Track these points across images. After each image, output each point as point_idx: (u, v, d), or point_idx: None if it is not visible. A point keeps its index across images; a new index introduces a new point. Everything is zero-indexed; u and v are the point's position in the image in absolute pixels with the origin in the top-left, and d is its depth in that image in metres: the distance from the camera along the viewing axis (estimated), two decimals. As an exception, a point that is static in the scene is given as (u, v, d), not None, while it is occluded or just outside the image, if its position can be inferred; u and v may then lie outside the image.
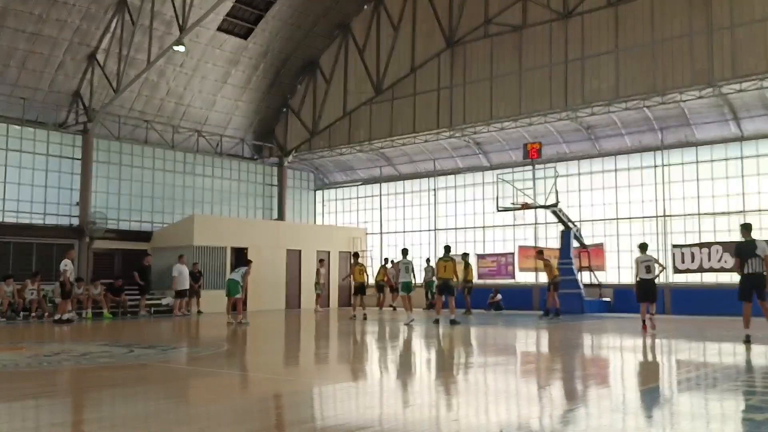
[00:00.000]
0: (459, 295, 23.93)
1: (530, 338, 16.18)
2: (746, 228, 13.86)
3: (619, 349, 13.54)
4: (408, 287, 19.76)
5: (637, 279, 16.47)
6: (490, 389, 8.50)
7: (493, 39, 27.61)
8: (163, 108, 29.45)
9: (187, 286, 24.21)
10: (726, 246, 22.82)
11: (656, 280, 16.56)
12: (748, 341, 12.92)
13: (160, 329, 18.73)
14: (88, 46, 26.09)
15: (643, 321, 16.13)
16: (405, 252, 20.66)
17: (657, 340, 14.56)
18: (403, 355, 12.70)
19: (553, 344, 14.63)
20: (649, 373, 10.31)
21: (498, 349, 13.76)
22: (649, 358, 12.09)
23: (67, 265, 20.65)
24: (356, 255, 23.91)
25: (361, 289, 23.42)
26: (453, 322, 18.47)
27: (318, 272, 26.61)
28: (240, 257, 25.50)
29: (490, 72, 27.52)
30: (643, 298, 16.30)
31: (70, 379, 9.54)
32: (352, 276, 23.34)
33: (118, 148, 28.38)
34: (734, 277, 23.10)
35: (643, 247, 17.01)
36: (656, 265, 16.52)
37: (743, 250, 13.42)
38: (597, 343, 14.93)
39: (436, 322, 18.92)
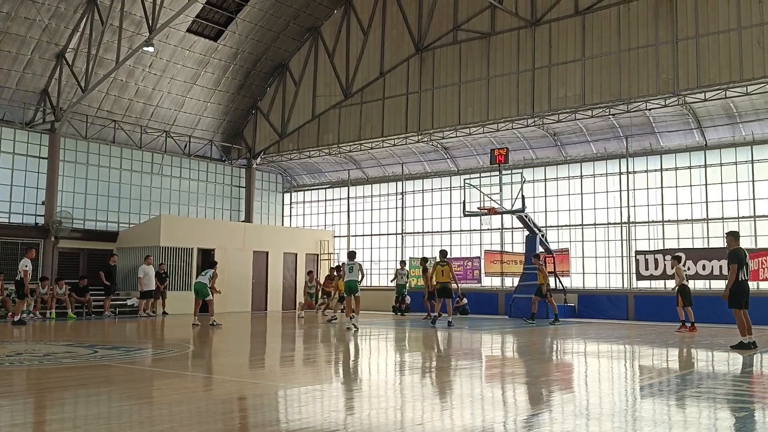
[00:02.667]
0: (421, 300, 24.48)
1: (496, 342, 16.31)
2: (735, 236, 14.00)
3: (584, 354, 13.70)
4: (351, 288, 18.55)
5: (683, 284, 18.93)
6: (455, 393, 8.58)
7: (461, 45, 27.82)
8: (131, 108, 29.26)
9: (153, 287, 24.06)
10: (689, 253, 23.20)
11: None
12: (754, 346, 13.27)
13: (125, 330, 18.59)
14: (56, 45, 25.85)
15: (684, 322, 18.67)
16: (352, 255, 19.68)
17: (622, 346, 14.77)
18: (369, 359, 12.75)
19: (520, 349, 14.76)
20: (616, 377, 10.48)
21: (464, 353, 13.86)
22: (617, 363, 12.27)
23: (27, 266, 20.25)
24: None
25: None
26: (433, 321, 20.06)
27: (306, 284, 26.21)
28: (207, 259, 25.36)
29: (459, 78, 27.73)
30: (689, 302, 18.81)
31: (33, 380, 9.46)
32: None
33: (85, 147, 28.16)
34: (698, 284, 23.66)
35: (679, 257, 19.70)
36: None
37: (742, 257, 13.55)
38: (562, 348, 15.09)
39: (434, 322, 19.98)
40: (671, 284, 23.96)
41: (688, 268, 23.03)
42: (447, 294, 20.22)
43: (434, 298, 21.57)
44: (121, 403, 7.64)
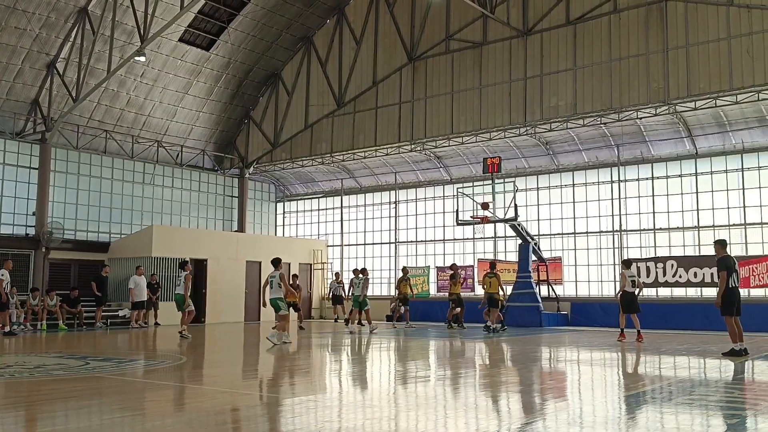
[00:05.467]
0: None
1: (487, 351, 16.28)
2: (723, 244, 14.00)
3: (577, 362, 13.70)
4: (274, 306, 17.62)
5: (622, 291, 17.95)
6: (449, 402, 8.56)
7: (454, 55, 27.90)
8: (122, 118, 29.20)
9: (145, 298, 23.94)
10: (681, 261, 23.27)
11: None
12: (745, 353, 13.26)
13: (117, 341, 18.50)
14: (47, 55, 25.80)
15: (622, 330, 17.77)
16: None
17: (615, 354, 14.78)
18: (363, 368, 12.72)
19: (512, 357, 14.75)
20: (613, 384, 10.47)
21: (456, 362, 13.84)
22: (616, 370, 12.28)
23: (3, 275, 19.85)
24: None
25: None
26: (492, 330, 21.00)
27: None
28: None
29: (451, 87, 27.80)
30: (628, 309, 17.77)
31: (23, 392, 9.40)
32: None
33: (76, 157, 28.07)
34: (689, 292, 23.73)
35: (628, 263, 18.78)
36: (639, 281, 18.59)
37: (731, 265, 13.55)
38: (555, 356, 15.09)
39: (486, 329, 21.21)
40: (663, 292, 24.12)
41: (680, 276, 23.11)
42: (494, 304, 21.48)
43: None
44: (113, 415, 7.60)
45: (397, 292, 24.78)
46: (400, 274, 25.06)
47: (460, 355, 15.49)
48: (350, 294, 23.44)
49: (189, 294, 19.34)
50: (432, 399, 8.75)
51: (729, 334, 13.58)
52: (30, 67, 25.78)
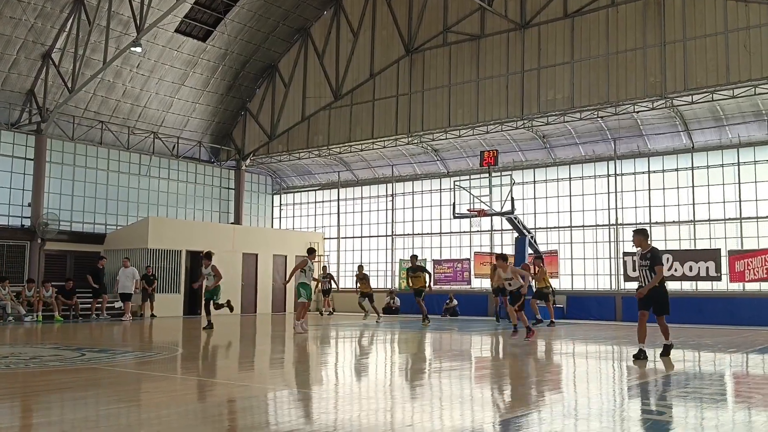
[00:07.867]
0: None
1: (483, 344, 16.31)
2: (647, 235, 12.35)
3: (572, 355, 13.72)
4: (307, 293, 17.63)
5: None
6: (445, 394, 8.57)
7: (451, 47, 27.86)
8: (118, 109, 29.12)
9: (128, 290, 23.57)
10: (676, 254, 23.33)
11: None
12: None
13: (112, 333, 18.48)
14: (42, 45, 25.71)
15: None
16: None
17: (610, 347, 14.81)
18: (359, 360, 12.73)
19: (509, 350, 14.77)
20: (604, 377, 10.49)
21: (453, 355, 13.86)
22: (608, 363, 12.30)
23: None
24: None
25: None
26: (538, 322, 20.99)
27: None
28: None
29: (449, 80, 27.74)
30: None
31: (19, 383, 9.39)
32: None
33: (72, 148, 28.00)
34: (684, 286, 23.79)
35: (504, 257, 18.39)
36: None
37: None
38: (551, 349, 15.10)
39: (538, 321, 21.04)
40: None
41: (675, 269, 23.12)
42: (543, 297, 21.66)
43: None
44: (109, 406, 7.60)
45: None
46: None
47: (454, 348, 15.50)
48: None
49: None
50: (428, 390, 8.76)
51: (638, 331, 11.83)
52: (25, 57, 25.68)
